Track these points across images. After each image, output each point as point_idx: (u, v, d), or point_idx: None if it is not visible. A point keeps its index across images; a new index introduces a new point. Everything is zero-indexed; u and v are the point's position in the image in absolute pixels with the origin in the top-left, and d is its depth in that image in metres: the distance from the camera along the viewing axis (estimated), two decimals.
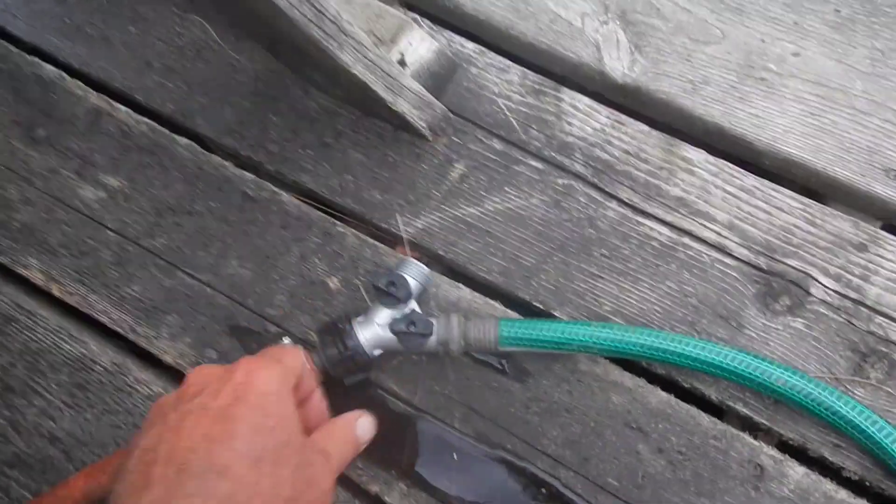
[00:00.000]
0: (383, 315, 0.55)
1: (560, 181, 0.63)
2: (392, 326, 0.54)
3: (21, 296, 0.63)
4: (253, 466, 0.37)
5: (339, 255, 0.62)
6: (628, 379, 0.58)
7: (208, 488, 0.36)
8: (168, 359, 0.60)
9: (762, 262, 0.59)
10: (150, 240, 0.63)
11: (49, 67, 0.70)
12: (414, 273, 0.57)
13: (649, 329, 0.55)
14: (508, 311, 0.60)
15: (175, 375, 0.61)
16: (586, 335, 0.54)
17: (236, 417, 0.38)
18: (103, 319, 0.62)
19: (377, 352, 0.56)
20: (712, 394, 0.57)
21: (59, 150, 0.67)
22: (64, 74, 0.69)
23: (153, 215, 0.64)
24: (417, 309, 0.57)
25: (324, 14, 0.51)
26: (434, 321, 0.55)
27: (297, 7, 0.49)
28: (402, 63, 0.62)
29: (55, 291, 0.63)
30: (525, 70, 0.66)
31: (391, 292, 0.55)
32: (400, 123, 0.64)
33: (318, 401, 0.49)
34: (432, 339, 0.55)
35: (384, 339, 0.55)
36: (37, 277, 0.63)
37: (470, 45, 0.67)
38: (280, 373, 0.42)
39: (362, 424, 0.49)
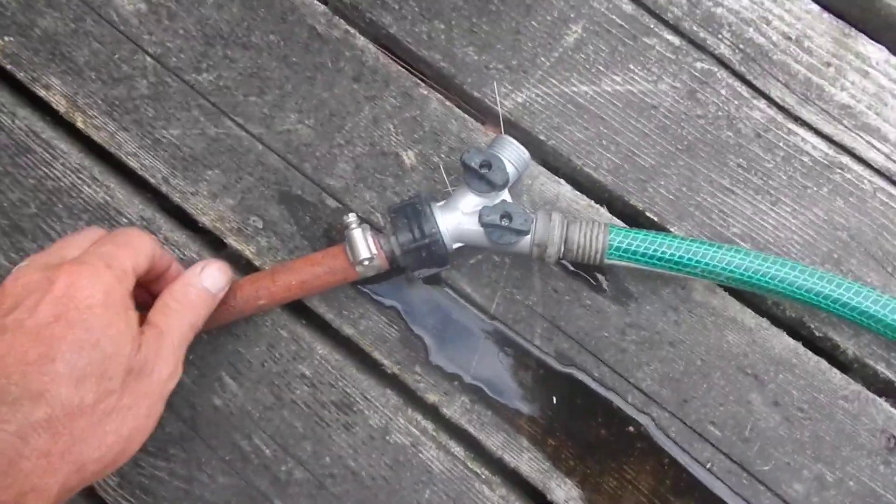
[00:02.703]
0: (470, 202, 0.46)
1: (699, 65, 0.51)
2: (482, 217, 0.44)
3: (39, 123, 0.53)
4: (75, 386, 0.36)
5: (418, 124, 0.51)
6: (750, 317, 0.48)
7: (22, 415, 0.34)
8: (205, 220, 0.51)
9: None
10: (196, 74, 0.52)
11: None
12: (512, 156, 0.46)
13: (790, 260, 0.44)
14: (614, 218, 0.50)
15: (212, 241, 0.52)
16: (714, 258, 0.44)
17: (55, 337, 0.36)
18: (132, 164, 0.52)
19: (457, 245, 0.46)
20: (849, 347, 0.47)
21: None
22: None
23: (201, 42, 0.53)
24: (510, 200, 0.47)
25: None
26: (534, 217, 0.45)
27: None
28: None
29: (79, 123, 0.53)
30: None
31: (485, 175, 0.44)
32: None
33: (175, 273, 0.44)
34: (527, 239, 0.45)
35: (468, 231, 0.45)
36: (58, 102, 0.53)
37: None
38: (107, 280, 0.38)
39: (209, 275, 0.43)
